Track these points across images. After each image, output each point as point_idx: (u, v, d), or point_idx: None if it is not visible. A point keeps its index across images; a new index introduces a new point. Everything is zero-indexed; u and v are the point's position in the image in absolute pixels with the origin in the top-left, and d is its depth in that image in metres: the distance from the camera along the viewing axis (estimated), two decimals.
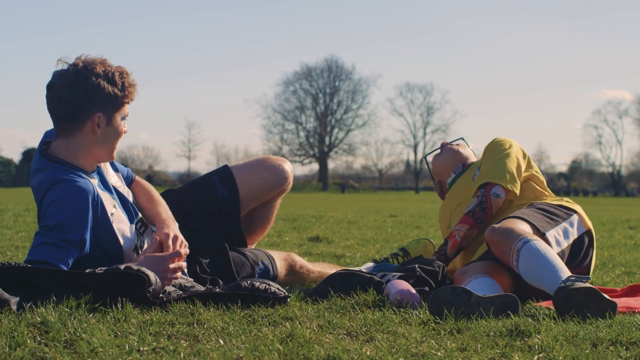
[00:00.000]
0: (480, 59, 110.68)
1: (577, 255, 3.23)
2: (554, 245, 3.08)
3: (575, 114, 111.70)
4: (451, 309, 2.54)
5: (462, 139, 4.02)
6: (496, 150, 3.52)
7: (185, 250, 2.84)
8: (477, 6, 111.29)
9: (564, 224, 3.21)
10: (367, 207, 18.77)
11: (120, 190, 2.99)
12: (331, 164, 76.44)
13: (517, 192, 3.43)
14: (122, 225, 2.85)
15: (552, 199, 3.43)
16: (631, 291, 3.36)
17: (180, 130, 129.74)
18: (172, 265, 2.74)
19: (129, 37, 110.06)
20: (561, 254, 3.13)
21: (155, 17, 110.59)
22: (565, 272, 2.77)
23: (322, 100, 72.42)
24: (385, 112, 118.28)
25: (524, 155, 3.54)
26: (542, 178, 3.58)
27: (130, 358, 1.90)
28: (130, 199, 3.03)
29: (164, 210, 3.04)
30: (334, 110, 72.39)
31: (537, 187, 3.52)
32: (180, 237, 2.90)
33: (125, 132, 2.93)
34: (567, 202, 3.40)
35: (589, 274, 3.30)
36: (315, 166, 74.82)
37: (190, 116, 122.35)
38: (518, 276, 3.04)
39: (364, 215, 12.65)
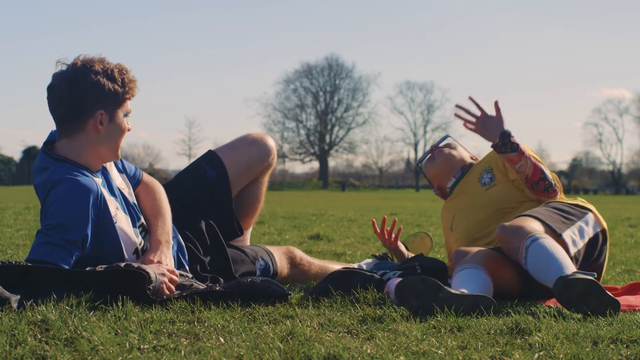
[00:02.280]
0: (481, 57, 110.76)
1: (591, 253, 3.22)
2: (570, 246, 3.07)
3: (576, 112, 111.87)
4: (416, 299, 2.56)
5: (448, 136, 3.94)
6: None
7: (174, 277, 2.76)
8: (477, 5, 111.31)
9: (580, 223, 3.20)
10: (368, 206, 18.77)
11: (124, 192, 2.96)
12: (331, 162, 76.54)
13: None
14: (124, 227, 2.84)
15: (567, 199, 3.43)
16: (632, 289, 3.36)
17: (180, 129, 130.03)
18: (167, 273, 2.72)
19: (129, 37, 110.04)
20: (577, 254, 3.12)
21: (156, 16, 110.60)
22: (571, 269, 2.77)
23: (323, 99, 72.43)
24: (385, 111, 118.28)
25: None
26: (555, 175, 3.56)
27: (130, 356, 1.90)
28: (134, 201, 3.00)
29: (162, 226, 2.97)
30: (335, 108, 72.40)
31: None
32: (165, 265, 2.81)
33: (129, 130, 2.90)
34: (581, 201, 3.39)
35: (602, 271, 3.29)
36: (315, 164, 74.90)
37: (191, 115, 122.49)
38: (525, 272, 3.03)
39: (364, 213, 12.64)
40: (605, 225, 3.32)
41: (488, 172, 3.57)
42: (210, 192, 3.38)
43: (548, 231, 3.03)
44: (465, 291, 2.66)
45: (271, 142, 3.54)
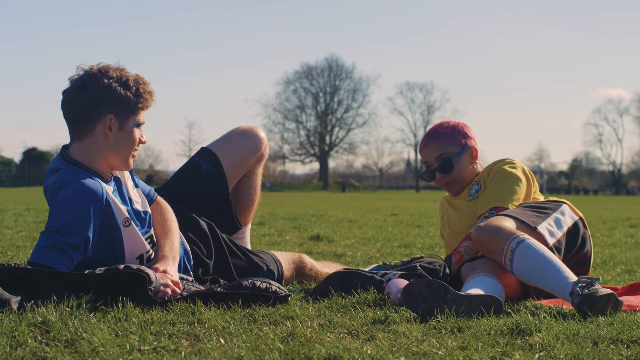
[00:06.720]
0: (480, 58, 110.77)
1: (574, 242, 3.22)
2: (547, 237, 3.06)
3: (576, 112, 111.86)
4: (423, 302, 2.55)
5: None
6: (505, 173, 3.40)
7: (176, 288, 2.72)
8: (477, 5, 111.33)
9: (555, 214, 3.20)
10: (368, 206, 18.77)
11: (137, 203, 2.95)
12: (332, 163, 76.50)
13: None
14: (133, 233, 2.83)
15: (540, 198, 3.44)
16: (632, 289, 3.36)
17: (180, 130, 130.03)
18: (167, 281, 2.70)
19: (129, 37, 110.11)
20: (558, 244, 3.12)
21: (156, 16, 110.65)
22: (567, 271, 2.77)
23: (323, 99, 72.42)
24: (385, 111, 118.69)
25: (533, 180, 3.48)
26: (541, 198, 3.56)
27: (131, 357, 1.90)
28: (145, 211, 2.98)
29: (170, 244, 2.96)
30: (335, 109, 72.38)
31: None
32: (170, 276, 2.77)
33: (143, 143, 2.89)
34: (553, 198, 3.41)
35: (590, 260, 3.30)
36: (315, 165, 74.87)
37: (191, 116, 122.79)
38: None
39: (365, 214, 12.64)
40: (581, 214, 3.33)
41: (477, 183, 3.54)
42: (208, 185, 3.40)
43: (522, 227, 3.02)
44: (473, 291, 2.66)
45: (262, 133, 3.56)
